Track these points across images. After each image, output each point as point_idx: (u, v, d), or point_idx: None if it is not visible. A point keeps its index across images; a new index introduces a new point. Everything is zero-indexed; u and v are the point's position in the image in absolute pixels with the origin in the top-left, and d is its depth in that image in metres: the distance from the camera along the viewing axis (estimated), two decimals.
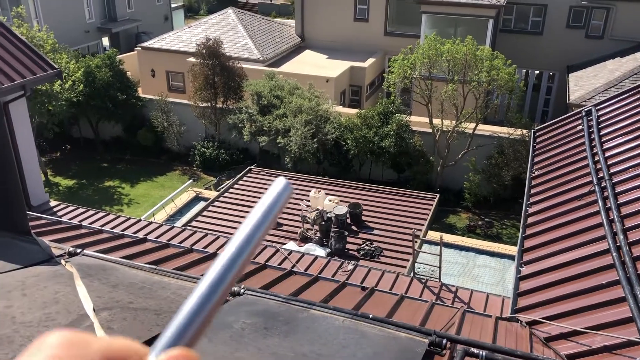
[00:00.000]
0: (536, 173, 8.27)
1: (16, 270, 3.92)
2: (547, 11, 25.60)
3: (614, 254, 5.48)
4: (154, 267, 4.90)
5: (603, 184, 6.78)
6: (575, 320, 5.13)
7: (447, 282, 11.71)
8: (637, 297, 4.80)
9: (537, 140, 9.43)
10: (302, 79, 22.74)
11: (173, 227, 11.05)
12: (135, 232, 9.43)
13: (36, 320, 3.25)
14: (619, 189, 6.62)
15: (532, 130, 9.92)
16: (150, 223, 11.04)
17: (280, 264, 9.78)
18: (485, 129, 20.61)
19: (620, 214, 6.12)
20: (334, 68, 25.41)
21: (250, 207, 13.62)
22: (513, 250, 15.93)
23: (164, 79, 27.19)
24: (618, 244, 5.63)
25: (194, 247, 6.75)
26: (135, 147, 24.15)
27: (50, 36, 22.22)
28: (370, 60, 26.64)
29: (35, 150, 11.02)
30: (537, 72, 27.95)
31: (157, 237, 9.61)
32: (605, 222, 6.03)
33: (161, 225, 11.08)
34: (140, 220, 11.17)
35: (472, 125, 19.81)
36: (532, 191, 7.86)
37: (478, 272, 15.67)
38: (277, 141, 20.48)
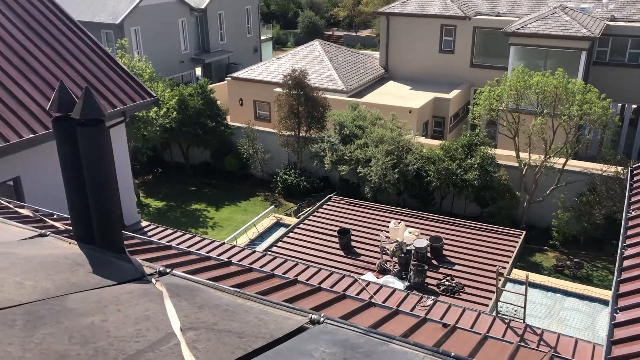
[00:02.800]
0: (634, 213, 7.77)
1: (111, 287, 4.14)
2: None
3: None
4: (237, 290, 5.01)
5: None
6: None
7: (532, 324, 11.15)
8: None
9: (635, 178, 8.87)
10: (384, 109, 22.81)
11: (254, 251, 11.30)
12: (219, 255, 9.72)
13: (128, 335, 3.40)
14: None
15: (630, 168, 9.36)
16: (234, 246, 11.34)
17: (357, 294, 9.71)
18: (575, 164, 19.70)
19: None
20: (417, 99, 25.32)
21: (329, 234, 13.73)
22: (604, 293, 14.97)
23: (251, 108, 28.16)
24: None
25: (275, 272, 6.86)
26: (221, 173, 25.07)
27: (149, 66, 23.70)
28: (455, 92, 26.33)
29: (131, 173, 11.69)
30: (634, 106, 26.47)
31: (239, 261, 9.86)
32: None
33: (243, 249, 11.35)
34: (224, 243, 11.51)
35: (562, 160, 18.99)
36: (629, 232, 7.37)
37: (565, 315, 14.83)
38: (358, 170, 20.55)
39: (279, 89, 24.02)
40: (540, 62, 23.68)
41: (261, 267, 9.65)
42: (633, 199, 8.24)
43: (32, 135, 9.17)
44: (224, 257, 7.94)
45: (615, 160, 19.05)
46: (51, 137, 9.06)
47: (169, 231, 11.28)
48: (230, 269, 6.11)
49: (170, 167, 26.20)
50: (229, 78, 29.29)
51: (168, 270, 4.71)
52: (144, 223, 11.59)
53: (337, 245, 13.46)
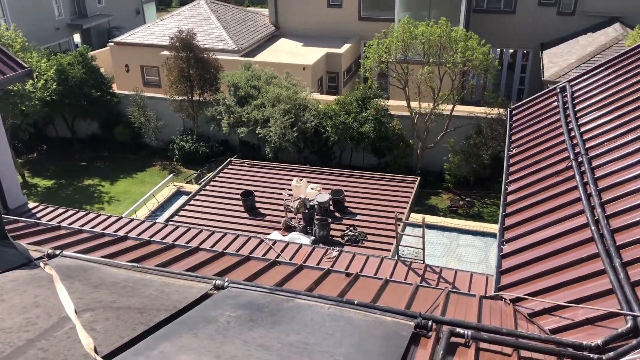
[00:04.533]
0: (514, 151, 8.34)
1: None
2: None
3: (593, 227, 5.56)
4: (135, 265, 4.85)
5: (580, 159, 6.86)
6: (557, 295, 5.20)
7: (431, 263, 11.81)
8: (616, 269, 4.88)
9: (514, 118, 9.49)
10: (278, 67, 22.61)
11: (155, 223, 10.96)
12: (116, 231, 9.33)
13: (16, 326, 3.20)
14: (595, 163, 6.70)
15: (509, 109, 9.99)
16: (132, 220, 10.93)
17: (264, 254, 9.77)
18: (462, 109, 20.72)
19: (597, 188, 6.20)
20: (309, 55, 25.29)
21: (233, 198, 13.57)
22: (495, 228, 16.10)
23: (138, 74, 26.82)
24: (596, 217, 5.71)
25: (176, 243, 6.71)
26: (112, 144, 23.87)
27: (19, 35, 21.76)
28: (346, 46, 26.56)
29: (10, 152, 10.81)
30: (511, 50, 28.12)
31: (138, 235, 9.54)
32: (583, 197, 6.11)
33: (143, 221, 10.98)
34: (121, 217, 11.05)
35: (450, 106, 19.90)
36: (511, 169, 7.93)
37: (461, 251, 15.84)
38: (257, 132, 20.37)
39: (166, 52, 23.02)
40: (424, 13, 24.36)
41: (162, 238, 9.39)
42: (513, 138, 8.82)
43: None
44: (120, 233, 7.64)
45: (497, 102, 20.25)
46: None
47: (60, 210, 10.63)
48: (126, 244, 5.90)
49: (55, 143, 24.53)
50: (111, 43, 27.60)
51: (57, 252, 4.44)
52: (31, 204, 10.82)
53: (242, 208, 13.38)
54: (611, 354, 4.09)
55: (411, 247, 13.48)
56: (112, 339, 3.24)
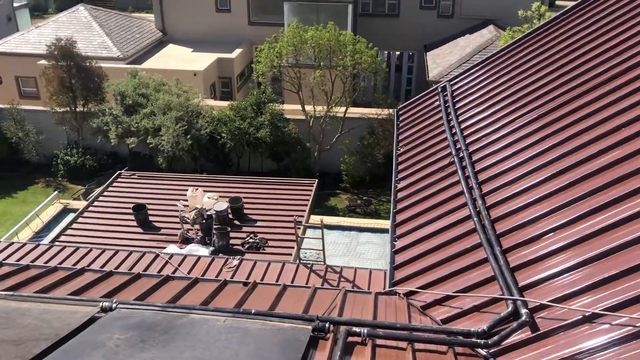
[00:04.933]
0: (402, 150, 8.65)
1: None
2: None
3: (475, 218, 5.89)
4: (11, 293, 4.47)
5: (461, 155, 7.25)
6: (447, 285, 5.44)
7: (333, 264, 11.98)
8: (497, 257, 5.19)
9: (401, 118, 9.86)
10: (167, 74, 21.95)
11: (39, 245, 10.21)
12: None
13: None
14: (474, 157, 7.11)
15: (396, 109, 10.36)
16: (12, 244, 10.11)
17: (160, 270, 9.43)
18: (355, 111, 21.24)
19: (478, 181, 6.57)
20: (200, 61, 24.80)
21: (124, 213, 12.96)
22: (390, 224, 16.70)
23: (13, 85, 24.93)
24: (478, 209, 6.04)
25: (60, 265, 6.27)
26: None
27: None
28: (238, 51, 26.34)
29: None
30: (397, 53, 29.26)
31: (19, 259, 8.84)
32: (465, 190, 6.45)
33: (25, 244, 10.19)
34: None
35: (343, 109, 20.33)
36: (400, 167, 8.22)
37: (361, 249, 16.21)
38: (148, 141, 19.62)
39: (44, 62, 21.58)
40: (313, 17, 24.71)
41: (47, 261, 8.77)
42: (400, 137, 9.16)
43: None
44: None
45: (387, 103, 20.96)
46: None
47: None
48: (2, 271, 5.41)
49: None
50: None
51: None
52: None
53: (134, 223, 12.82)
54: (495, 337, 4.33)
55: (313, 249, 13.61)
56: None
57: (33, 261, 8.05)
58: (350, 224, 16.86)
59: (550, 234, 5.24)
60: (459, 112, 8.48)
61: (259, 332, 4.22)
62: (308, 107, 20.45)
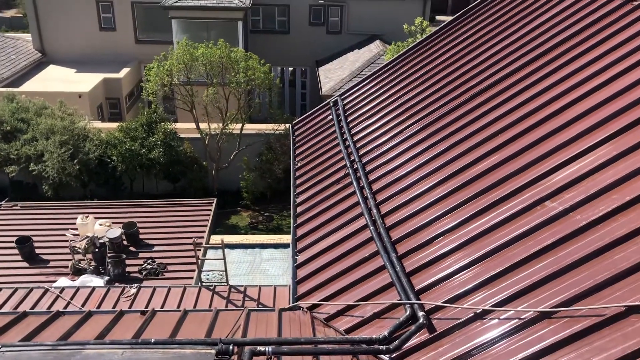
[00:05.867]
0: (299, 164, 8.73)
1: None
2: (290, 11, 27.21)
3: (371, 227, 6.05)
4: None
5: (355, 166, 7.44)
6: (348, 295, 5.54)
7: (237, 283, 11.81)
8: (393, 263, 5.36)
9: (296, 133, 9.97)
10: (50, 97, 20.70)
11: None
12: None
13: None
14: (368, 168, 7.33)
15: (291, 125, 10.46)
16: None
17: (51, 305, 8.80)
18: (251, 127, 21.20)
19: (372, 191, 6.78)
20: (85, 82, 23.64)
21: (7, 247, 11.97)
22: None
23: None
24: (373, 217, 6.22)
25: None
26: None
27: None
28: (125, 70, 25.41)
29: None
30: (290, 68, 29.65)
31: None
32: (360, 200, 6.62)
33: None
34: None
35: (239, 125, 20.21)
36: (297, 182, 8.29)
37: (265, 266, 16.10)
38: (30, 169, 18.33)
39: None
40: (203, 34, 24.43)
41: None
42: (297, 152, 9.25)
43: None
44: None
45: (283, 118, 21.12)
46: None
47: None
48: None
49: None
50: None
51: None
52: None
53: (19, 257, 11.88)
54: (396, 342, 4.47)
55: (215, 270, 13.31)
56: None
57: None
58: (252, 241, 16.69)
59: (441, 237, 5.50)
60: (351, 125, 8.72)
61: None
62: (203, 125, 20.12)
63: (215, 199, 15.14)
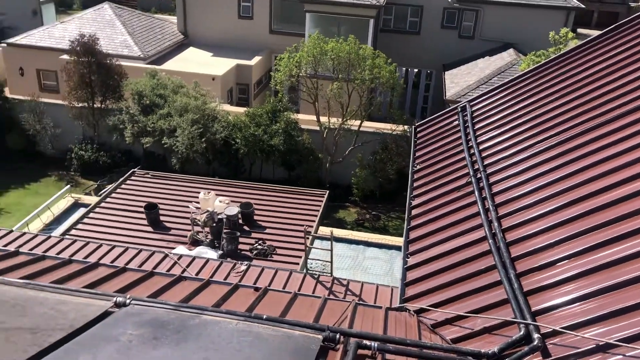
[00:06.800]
0: (418, 167, 8.65)
1: None
2: (423, 12, 26.93)
3: (490, 240, 5.87)
4: (28, 281, 4.50)
5: (479, 175, 7.24)
6: (458, 305, 5.42)
7: (339, 276, 11.94)
8: (511, 280, 5.17)
9: (418, 135, 9.88)
10: (186, 77, 22.13)
11: (50, 237, 10.27)
12: (5, 245, 8.65)
13: None
14: (492, 179, 7.10)
15: (413, 126, 10.38)
16: (24, 234, 10.18)
17: (169, 269, 9.44)
18: (370, 125, 21.29)
19: (495, 203, 6.56)
20: (219, 66, 24.99)
21: (135, 211, 13.02)
22: (399, 241, 16.60)
23: (34, 78, 25.21)
24: (493, 231, 6.03)
25: (73, 258, 6.31)
26: (3, 152, 22.18)
27: None
28: (257, 59, 26.53)
29: None
30: (415, 70, 29.35)
31: (31, 249, 8.89)
32: (481, 211, 6.44)
33: (36, 235, 10.26)
34: (11, 231, 10.26)
35: (357, 122, 20.38)
36: (415, 184, 8.22)
37: (368, 264, 16.16)
38: (163, 142, 19.76)
39: (66, 57, 21.83)
40: (334, 29, 24.89)
41: (58, 253, 8.81)
42: (417, 154, 9.17)
43: None
44: (10, 247, 7.07)
45: (402, 119, 21.00)
46: None
47: None
48: (18, 259, 5.45)
49: None
50: (4, 44, 25.78)
51: None
52: None
53: (145, 222, 12.87)
54: None
55: (320, 260, 13.58)
56: None
57: (45, 252, 8.09)
58: (357, 238, 16.82)
59: (566, 261, 5.21)
60: (478, 133, 8.48)
61: (270, 338, 4.22)
62: (323, 118, 20.52)
63: (328, 192, 15.41)
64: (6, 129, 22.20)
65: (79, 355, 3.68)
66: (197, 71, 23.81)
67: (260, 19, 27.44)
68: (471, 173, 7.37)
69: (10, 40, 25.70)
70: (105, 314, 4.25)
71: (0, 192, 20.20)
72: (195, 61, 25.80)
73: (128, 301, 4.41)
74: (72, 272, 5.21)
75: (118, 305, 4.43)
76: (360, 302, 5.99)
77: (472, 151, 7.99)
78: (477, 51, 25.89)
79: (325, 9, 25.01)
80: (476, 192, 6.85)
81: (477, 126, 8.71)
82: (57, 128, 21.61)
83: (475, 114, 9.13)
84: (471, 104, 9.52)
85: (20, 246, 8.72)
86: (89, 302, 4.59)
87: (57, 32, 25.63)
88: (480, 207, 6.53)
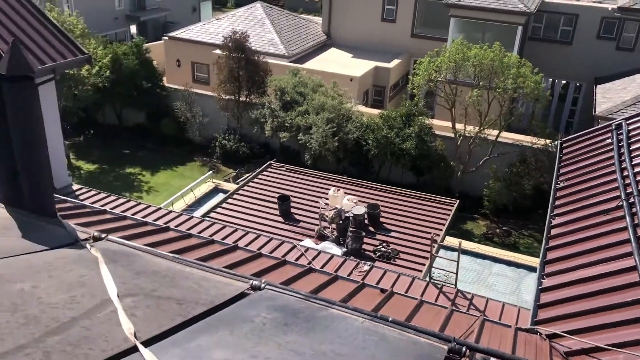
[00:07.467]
0: (562, 185, 8.14)
1: (43, 252, 3.94)
2: (578, 21, 25.24)
3: None
4: (176, 256, 4.90)
5: (631, 200, 6.66)
6: (597, 336, 5.03)
7: (462, 289, 11.61)
8: None
9: (564, 151, 9.29)
10: (326, 76, 22.72)
11: (192, 217, 11.11)
12: (155, 220, 9.49)
13: (62, 302, 3.26)
14: None
15: (559, 141, 9.78)
16: (170, 212, 11.11)
17: (296, 260, 9.77)
18: (508, 136, 20.41)
19: None
20: (358, 67, 25.34)
21: (269, 201, 13.64)
22: (530, 260, 15.75)
23: (189, 70, 27.35)
24: None
25: (214, 239, 6.76)
26: (157, 136, 24.35)
27: (80, 21, 22.46)
28: (396, 61, 26.53)
29: (61, 133, 11.14)
30: (563, 82, 27.58)
31: (176, 226, 9.67)
32: (632, 239, 5.92)
33: (180, 214, 11.14)
34: (160, 208, 11.24)
35: (495, 132, 19.63)
36: (557, 203, 7.74)
37: (493, 280, 15.53)
38: (298, 138, 20.49)
39: (218, 51, 23.40)
40: (478, 35, 24.15)
41: (199, 232, 9.50)
42: (562, 171, 8.63)
43: None
44: (160, 223, 7.76)
45: (545, 133, 19.87)
46: None
47: (102, 195, 10.89)
48: (168, 235, 5.98)
49: (102, 129, 25.17)
50: (166, 38, 28.24)
51: (103, 235, 4.54)
52: (75, 186, 11.13)
53: (277, 212, 13.44)
54: None
55: (443, 270, 13.29)
56: (151, 327, 3.27)
57: (188, 230, 8.76)
58: (485, 252, 16.22)
59: None
60: (633, 154, 7.79)
61: (395, 341, 4.22)
62: (459, 126, 20.02)
63: (458, 201, 15.02)
64: (161, 115, 24.32)
65: (218, 329, 3.95)
66: (336, 71, 24.36)
67: (403, 23, 27.39)
68: (623, 196, 6.78)
69: (171, 34, 28.10)
70: (242, 295, 4.50)
71: (151, 172, 22.20)
72: (336, 61, 26.40)
73: (263, 285, 4.63)
74: (214, 252, 5.60)
75: (254, 288, 4.66)
76: (489, 318, 5.78)
77: (625, 173, 7.36)
78: (637, 65, 23.71)
79: (471, 14, 24.36)
80: (627, 218, 6.30)
81: (633, 146, 7.99)
82: (205, 117, 23.25)
83: (632, 133, 8.39)
84: (628, 122, 8.76)
85: (167, 223, 9.51)
86: (228, 282, 4.89)
87: (212, 28, 27.56)
88: (631, 233, 6.00)
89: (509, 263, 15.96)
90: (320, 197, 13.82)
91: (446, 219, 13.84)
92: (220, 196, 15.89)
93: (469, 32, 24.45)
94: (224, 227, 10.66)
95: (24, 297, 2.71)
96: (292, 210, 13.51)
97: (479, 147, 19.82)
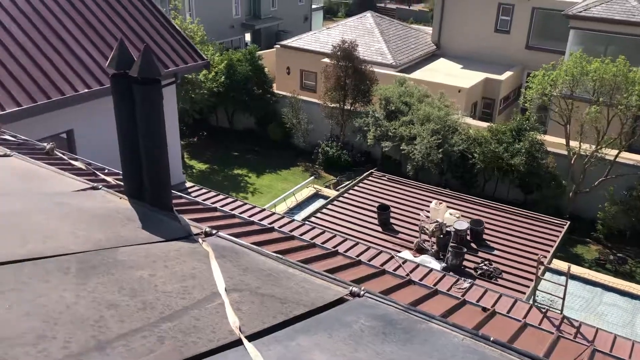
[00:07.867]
0: None
1: (160, 243, 4.21)
2: None
3: None
4: (280, 256, 5.05)
5: None
6: None
7: (569, 316, 10.93)
8: None
9: None
10: (433, 87, 22.39)
11: (293, 220, 11.36)
12: (260, 220, 9.81)
13: (175, 291, 3.45)
14: None
15: None
16: (273, 213, 11.44)
17: (394, 271, 9.68)
18: (628, 157, 18.98)
19: None
20: (467, 78, 24.74)
21: (368, 210, 13.66)
22: None
23: (297, 77, 28.09)
24: None
25: (315, 242, 6.88)
26: (264, 140, 25.22)
27: (201, 29, 23.81)
28: (508, 74, 25.60)
29: (178, 134, 11.86)
30: None
31: (279, 228, 9.94)
32: None
33: (283, 216, 11.44)
34: (264, 209, 11.61)
35: (614, 151, 18.32)
36: None
37: (603, 309, 14.51)
38: (401, 148, 20.34)
39: (327, 60, 23.83)
40: (600, 48, 22.71)
41: (300, 235, 9.69)
42: None
43: (87, 90, 9.37)
44: (265, 223, 8.00)
45: None
46: (105, 92, 9.23)
47: (212, 193, 11.44)
48: (272, 235, 6.15)
49: (215, 131, 26.49)
50: (278, 46, 29.21)
51: (214, 231, 4.77)
52: (188, 184, 11.78)
53: (376, 221, 13.42)
54: None
55: (549, 293, 12.60)
56: (255, 323, 3.40)
57: (290, 232, 8.97)
58: (596, 279, 15.20)
59: None
60: None
61: None
62: (573, 143, 18.92)
63: (568, 222, 14.19)
64: (269, 120, 25.16)
65: (317, 331, 4.00)
66: (443, 82, 23.95)
67: (518, 34, 26.40)
68: None
69: (283, 42, 29.03)
70: (341, 300, 4.53)
71: (257, 174, 23.02)
72: (444, 72, 25.96)
73: (362, 292, 4.64)
74: (315, 255, 5.69)
75: (353, 294, 4.68)
76: (601, 349, 5.40)
77: None
78: None
79: (594, 26, 22.96)
80: None
81: None
82: (310, 124, 23.75)
83: None
84: None
85: (272, 223, 9.81)
86: (328, 286, 4.94)
87: (322, 37, 28.13)
88: None
89: (622, 293, 14.84)
90: (421, 209, 13.61)
91: (555, 241, 13.12)
92: (320, 201, 16.15)
93: (590, 44, 23.06)
94: (324, 231, 10.80)
95: (142, 283, 2.92)
96: (392, 220, 13.43)
97: (595, 166, 18.59)
